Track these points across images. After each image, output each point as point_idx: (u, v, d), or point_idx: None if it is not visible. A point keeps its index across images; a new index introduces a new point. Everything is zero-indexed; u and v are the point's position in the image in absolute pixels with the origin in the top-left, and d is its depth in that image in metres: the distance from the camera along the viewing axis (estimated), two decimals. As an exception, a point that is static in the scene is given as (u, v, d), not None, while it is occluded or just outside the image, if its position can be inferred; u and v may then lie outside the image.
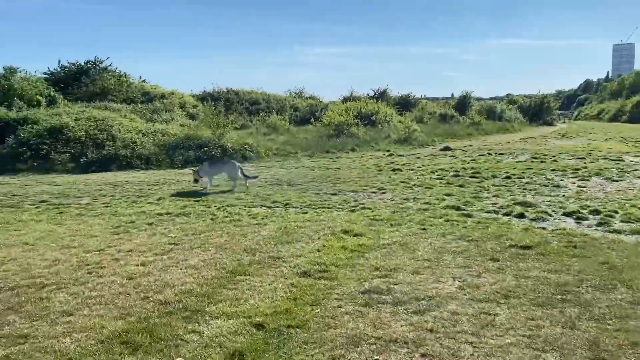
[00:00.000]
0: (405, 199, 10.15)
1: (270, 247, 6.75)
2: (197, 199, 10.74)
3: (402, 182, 12.65)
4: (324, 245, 6.71)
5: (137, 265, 6.14)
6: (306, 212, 8.96)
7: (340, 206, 9.51)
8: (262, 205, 9.76)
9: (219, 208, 9.59)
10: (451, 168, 15.62)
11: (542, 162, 16.86)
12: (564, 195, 10.27)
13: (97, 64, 35.39)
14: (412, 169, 15.81)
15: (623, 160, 16.70)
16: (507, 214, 8.58)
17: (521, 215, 8.40)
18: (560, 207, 9.02)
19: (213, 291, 5.18)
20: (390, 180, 13.00)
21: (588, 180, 12.47)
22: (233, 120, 20.92)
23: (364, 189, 11.60)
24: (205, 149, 18.04)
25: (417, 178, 13.49)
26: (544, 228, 7.61)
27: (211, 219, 8.61)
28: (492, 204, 9.49)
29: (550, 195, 10.31)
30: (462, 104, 51.92)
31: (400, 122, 32.41)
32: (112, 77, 33.50)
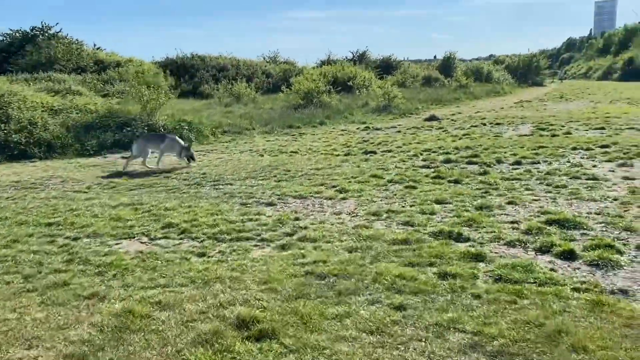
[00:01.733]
0: (374, 214, 6.53)
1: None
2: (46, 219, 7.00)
3: (374, 175, 9.01)
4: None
5: None
6: (202, 255, 5.29)
7: (266, 235, 5.86)
8: (129, 237, 6.04)
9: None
10: (440, 148, 12.02)
11: (553, 135, 13.31)
12: (615, 199, 6.74)
13: (45, 30, 31.06)
14: (389, 151, 12.18)
15: (653, 131, 13.25)
16: (546, 250, 4.99)
17: (571, 256, 4.81)
18: (626, 229, 5.48)
19: None
20: (357, 173, 9.35)
21: (631, 166, 8.96)
22: (167, 91, 16.88)
23: (317, 193, 7.94)
24: (128, 129, 14.16)
25: (395, 167, 9.87)
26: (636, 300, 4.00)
27: None
28: (512, 223, 5.91)
29: (595, 199, 6.77)
30: (447, 65, 48.05)
31: (379, 87, 28.54)
32: (59, 45, 29.36)
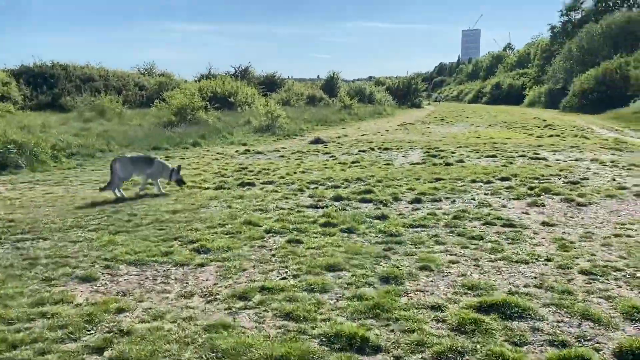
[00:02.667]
0: (240, 297, 4.46)
1: None
2: None
3: (249, 222, 6.95)
4: None
5: None
6: None
7: (50, 357, 3.57)
8: None
9: None
10: (328, 180, 10.33)
11: (447, 164, 12.25)
12: (548, 259, 5.34)
13: None
14: (270, 182, 10.25)
15: (546, 159, 12.71)
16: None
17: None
18: (586, 317, 3.99)
19: None
20: (227, 219, 7.24)
21: (542, 205, 7.85)
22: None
23: (164, 254, 5.71)
24: None
25: (277, 208, 7.91)
26: None
27: None
28: (434, 309, 4.18)
29: (525, 261, 5.32)
30: (330, 85, 47.71)
31: (263, 105, 26.64)
32: None
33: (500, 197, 8.45)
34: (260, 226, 6.80)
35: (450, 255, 5.54)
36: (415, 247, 5.81)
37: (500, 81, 70.93)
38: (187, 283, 4.86)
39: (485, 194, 8.80)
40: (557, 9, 58.95)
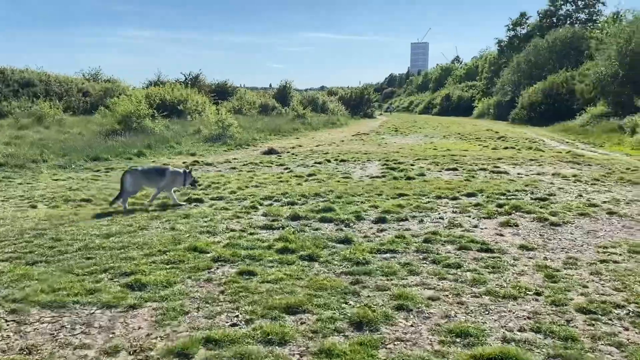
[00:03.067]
0: (179, 355, 3.60)
1: None
2: None
3: (193, 248, 6.02)
4: None
5: None
6: None
7: None
8: None
9: None
10: (284, 195, 9.50)
11: (408, 178, 11.66)
12: (537, 293, 4.71)
13: None
14: (220, 198, 9.34)
15: (508, 173, 12.36)
16: None
17: None
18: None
19: None
20: (169, 243, 6.27)
21: (516, 225, 7.30)
22: None
23: (90, 293, 4.72)
24: None
25: (227, 230, 7.01)
26: None
27: None
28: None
29: (514, 296, 4.66)
30: (283, 94, 46.95)
31: (213, 113, 25.45)
32: None
33: (469, 216, 7.87)
34: (207, 253, 5.91)
35: (428, 289, 4.83)
36: (387, 279, 5.07)
37: (450, 92, 72.16)
38: (113, 333, 3.92)
39: (453, 211, 8.21)
40: (502, 24, 60.87)
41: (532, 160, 14.95)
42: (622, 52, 27.46)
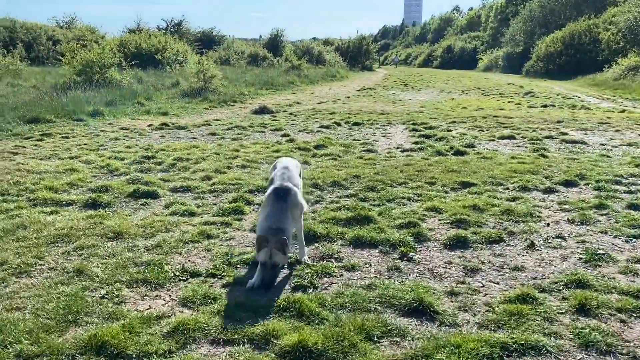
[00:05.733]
0: None
1: None
2: None
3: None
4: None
5: None
6: None
7: None
8: None
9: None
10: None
11: (457, 153, 8.29)
12: None
13: None
14: (185, 189, 5.99)
15: (587, 144, 9.04)
16: None
17: None
18: None
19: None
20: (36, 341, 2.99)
21: None
22: None
23: None
24: None
25: (180, 288, 3.71)
26: None
27: None
28: None
29: None
30: (274, 44, 42.65)
31: (195, 63, 21.61)
32: None
33: (603, 231, 4.60)
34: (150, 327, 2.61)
35: None
36: None
37: (451, 44, 67.77)
38: None
39: (568, 220, 4.93)
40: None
41: (602, 124, 11.58)
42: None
